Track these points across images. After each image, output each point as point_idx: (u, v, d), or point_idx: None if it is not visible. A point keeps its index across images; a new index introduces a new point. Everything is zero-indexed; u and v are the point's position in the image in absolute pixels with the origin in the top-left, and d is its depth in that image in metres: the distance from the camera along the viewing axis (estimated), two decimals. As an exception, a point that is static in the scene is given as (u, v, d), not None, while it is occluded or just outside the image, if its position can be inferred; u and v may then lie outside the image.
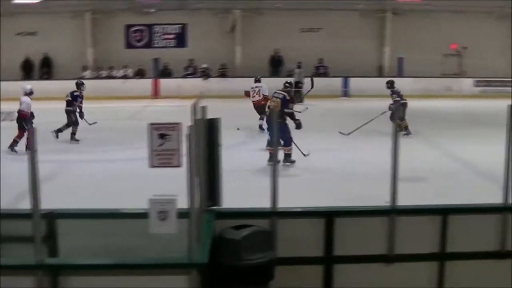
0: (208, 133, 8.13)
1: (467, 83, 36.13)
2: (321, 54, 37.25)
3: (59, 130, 20.46)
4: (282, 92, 16.95)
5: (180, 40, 38.57)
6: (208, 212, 8.25)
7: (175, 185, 7.06)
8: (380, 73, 37.74)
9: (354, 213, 8.83)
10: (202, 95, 8.76)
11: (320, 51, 37.17)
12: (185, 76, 36.72)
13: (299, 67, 35.32)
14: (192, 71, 37.13)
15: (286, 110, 16.29)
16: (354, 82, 35.49)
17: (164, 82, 36.00)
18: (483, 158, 16.77)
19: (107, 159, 17.88)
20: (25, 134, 17.45)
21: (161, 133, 6.76)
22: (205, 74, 36.30)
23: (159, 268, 6.71)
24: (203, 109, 7.87)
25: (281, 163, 15.92)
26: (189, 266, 6.64)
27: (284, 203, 8.53)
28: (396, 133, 8.54)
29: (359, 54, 36.65)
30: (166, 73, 37.11)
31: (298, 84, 33.20)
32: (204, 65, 36.56)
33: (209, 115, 8.14)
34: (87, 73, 35.94)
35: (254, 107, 22.51)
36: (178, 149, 6.80)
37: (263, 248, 7.82)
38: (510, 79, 36.55)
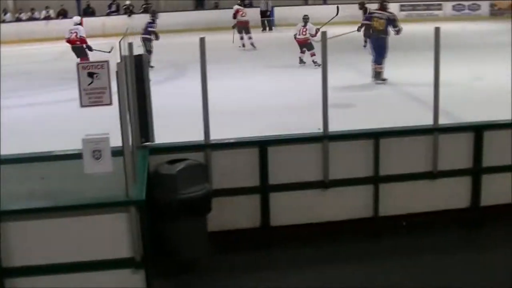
0: (136, 70, 8.08)
1: (392, 8, 36.21)
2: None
3: None
4: (385, 13, 18.34)
5: (102, -24, 37.91)
6: (142, 148, 8.25)
7: (105, 124, 7.02)
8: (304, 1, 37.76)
9: (287, 141, 8.90)
10: (128, 33, 8.68)
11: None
12: (108, 14, 36.17)
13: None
14: (115, 8, 36.59)
15: (394, 29, 17.97)
16: (280, 12, 35.36)
17: (87, 22, 35.32)
18: (411, 81, 16.99)
19: (35, 102, 17.58)
20: None
21: (90, 71, 6.68)
22: (129, 11, 35.79)
23: (97, 207, 6.70)
24: (130, 45, 7.81)
25: (373, 80, 17.92)
26: (127, 204, 6.65)
27: (216, 135, 8.60)
28: (325, 58, 8.60)
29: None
30: (89, 12, 36.48)
31: (265, 12, 33.37)
32: (127, 2, 36.04)
33: (135, 51, 8.08)
34: (7, 16, 35.13)
35: (300, 43, 22.32)
36: (107, 87, 6.74)
37: (199, 181, 7.87)
38: (434, 3, 37.04)
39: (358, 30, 20.66)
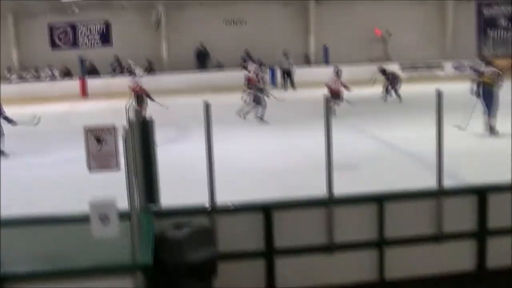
0: (142, 133, 8.14)
1: (393, 68, 36.61)
2: (247, 46, 37.34)
3: None
4: (493, 69, 20.65)
5: (105, 38, 38.29)
6: (148, 211, 8.27)
7: (111, 184, 7.07)
8: (306, 62, 38.01)
9: (292, 205, 8.91)
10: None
11: (246, 43, 37.26)
12: (113, 76, 36.46)
13: (285, 55, 35.97)
14: (116, 66, 36.91)
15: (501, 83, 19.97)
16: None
17: (91, 82, 35.70)
18: (413, 143, 17.06)
19: (39, 163, 17.62)
20: None
21: (97, 136, 6.75)
22: (132, 72, 36.08)
23: (104, 272, 6.69)
24: (137, 111, 7.90)
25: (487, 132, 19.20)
26: (134, 268, 6.64)
27: (223, 198, 8.63)
28: (329, 121, 8.66)
29: (284, 44, 36.81)
30: (93, 72, 36.78)
31: (288, 72, 34.39)
32: (130, 61, 36.34)
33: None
34: (13, 77, 35.50)
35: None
36: (115, 152, 6.80)
37: (204, 245, 7.87)
38: (435, 62, 37.43)
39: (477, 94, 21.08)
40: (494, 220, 9.27)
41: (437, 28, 40.18)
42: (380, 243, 8.93)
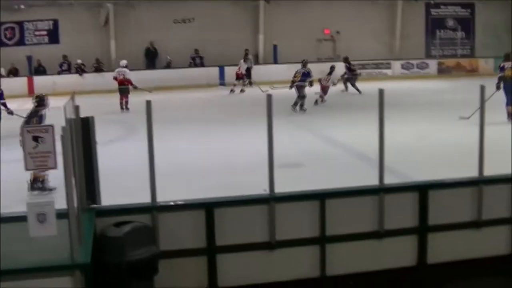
0: (83, 132, 8.10)
1: (342, 67, 36.77)
2: (196, 45, 37.25)
3: None
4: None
5: (53, 36, 37.83)
6: (88, 211, 8.22)
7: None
8: (256, 61, 38.02)
9: (233, 203, 8.94)
10: (74, 94, 8.71)
11: (195, 42, 37.16)
12: (60, 73, 36.07)
13: (247, 54, 35.76)
14: (66, 67, 36.53)
15: None
16: (229, 71, 35.56)
17: (38, 80, 35.28)
18: (357, 141, 17.18)
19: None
20: None
21: (35, 135, 6.70)
22: (80, 70, 35.76)
23: (42, 271, 6.64)
24: (76, 108, 7.84)
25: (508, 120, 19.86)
26: (72, 267, 6.61)
27: (162, 196, 8.63)
28: (270, 120, 8.69)
29: (234, 43, 36.79)
30: (40, 70, 36.38)
31: (249, 70, 34.29)
32: (79, 61, 36.00)
33: (86, 111, 8.11)
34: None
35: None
36: (52, 151, 6.76)
37: (145, 243, 7.87)
38: (383, 61, 37.75)
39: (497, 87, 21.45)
40: (435, 216, 9.41)
41: (386, 28, 40.45)
42: (322, 240, 9.00)
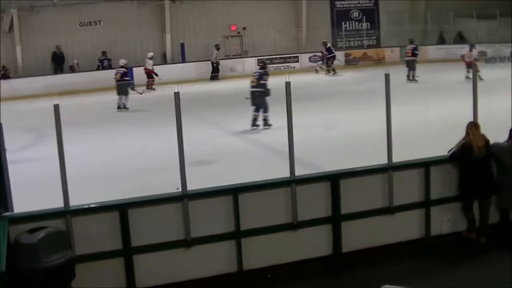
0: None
1: (250, 63, 36.96)
2: (104, 47, 36.89)
3: None
4: None
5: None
6: (1, 219, 8.10)
7: None
8: (164, 60, 37.92)
9: (147, 203, 8.92)
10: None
11: (103, 44, 36.81)
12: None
13: (218, 49, 36.32)
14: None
15: None
16: (139, 72, 35.36)
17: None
18: (267, 134, 17.34)
19: None
20: None
21: None
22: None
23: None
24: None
25: None
26: (-15, 277, 6.52)
27: (78, 200, 8.56)
28: (179, 119, 8.70)
29: (141, 44, 36.66)
30: None
31: (217, 64, 35.33)
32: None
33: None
34: None
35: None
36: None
37: (61, 248, 7.80)
38: (291, 55, 38.09)
39: None
40: (348, 205, 9.58)
41: (292, 22, 40.82)
42: (237, 235, 9.05)
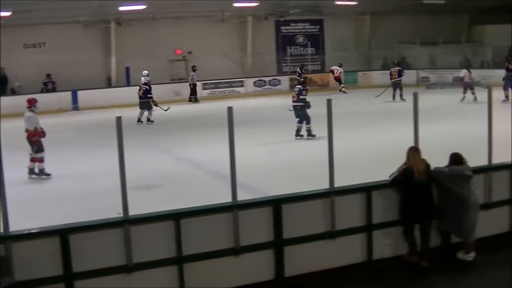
0: None
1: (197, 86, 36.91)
2: (48, 69, 36.48)
3: None
4: None
5: None
6: None
7: None
8: (108, 84, 37.70)
9: (88, 228, 8.82)
10: None
11: (47, 66, 36.38)
12: None
13: (194, 70, 36.05)
14: None
15: None
16: (83, 95, 35.11)
17: None
18: (210, 159, 17.34)
19: None
20: None
21: None
22: None
23: None
24: None
25: None
26: None
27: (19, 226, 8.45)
28: (121, 142, 8.66)
29: (86, 66, 36.28)
30: None
31: (193, 86, 35.30)
32: None
33: None
34: None
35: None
36: None
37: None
38: (236, 80, 38.22)
39: None
40: (290, 230, 9.61)
41: (238, 46, 40.94)
42: (179, 260, 9.02)
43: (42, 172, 17.01)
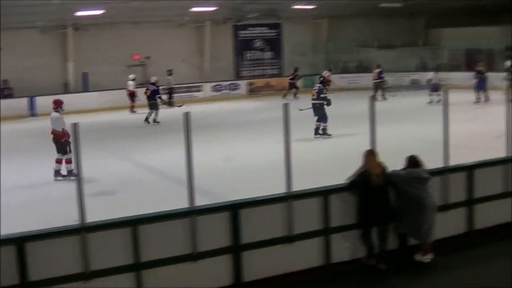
0: None
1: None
2: (4, 75, 36.07)
3: None
4: None
5: None
6: None
7: None
8: (65, 90, 37.36)
9: (44, 236, 8.73)
10: None
11: (4, 72, 35.94)
12: None
13: (170, 74, 35.66)
14: None
15: None
16: (40, 101, 34.73)
17: None
18: (167, 164, 17.29)
19: None
20: None
21: None
22: None
23: None
24: None
25: None
26: None
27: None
28: (78, 149, 8.59)
29: (43, 72, 35.89)
30: None
31: (170, 90, 35.00)
32: None
33: None
34: None
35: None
36: None
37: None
38: (194, 85, 38.16)
39: None
40: (248, 234, 9.62)
41: (196, 51, 40.79)
42: (137, 267, 8.97)
43: (71, 173, 16.83)
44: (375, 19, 42.03)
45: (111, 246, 8.90)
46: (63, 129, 17.28)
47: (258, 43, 43.22)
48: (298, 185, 10.10)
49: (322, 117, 22.46)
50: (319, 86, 23.25)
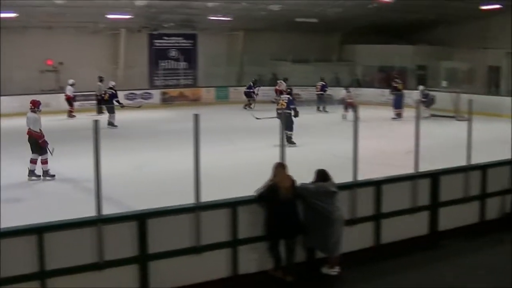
0: None
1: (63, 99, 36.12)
2: None
3: None
4: None
5: None
6: None
7: None
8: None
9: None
10: None
11: None
12: None
13: (101, 81, 34.86)
14: None
15: None
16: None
17: None
18: (78, 172, 17.07)
19: None
20: None
21: None
22: None
23: None
24: None
25: None
26: None
27: None
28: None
29: None
30: None
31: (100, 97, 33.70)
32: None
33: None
34: None
35: None
36: None
37: None
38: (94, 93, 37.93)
39: None
40: (155, 244, 9.57)
41: (110, 58, 40.42)
42: (42, 275, 8.83)
43: (47, 174, 17.25)
44: (291, 33, 42.40)
45: (15, 254, 8.68)
46: (40, 129, 17.47)
47: (173, 53, 43.09)
48: (208, 196, 10.14)
49: (290, 125, 22.71)
50: (288, 97, 23.99)
